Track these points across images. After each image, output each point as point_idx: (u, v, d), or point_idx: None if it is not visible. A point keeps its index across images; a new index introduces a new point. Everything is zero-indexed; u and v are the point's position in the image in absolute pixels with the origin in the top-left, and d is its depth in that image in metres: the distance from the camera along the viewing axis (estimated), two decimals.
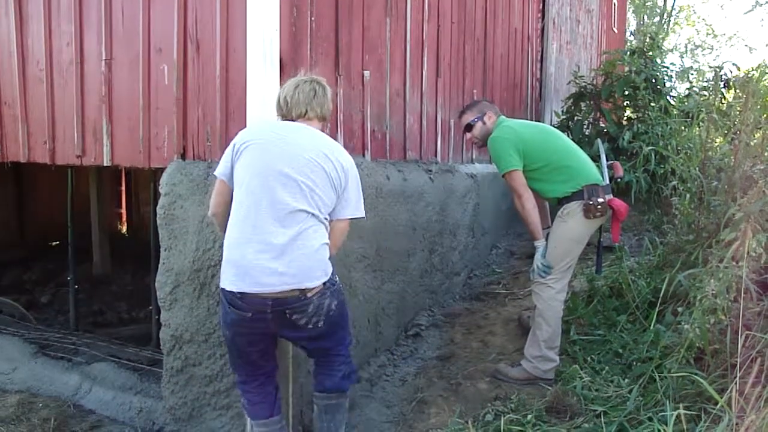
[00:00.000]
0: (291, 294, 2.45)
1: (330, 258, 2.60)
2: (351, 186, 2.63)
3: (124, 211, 8.55)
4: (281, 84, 3.08)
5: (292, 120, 2.68)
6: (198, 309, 3.24)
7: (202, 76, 3.35)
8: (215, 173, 2.68)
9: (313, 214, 2.49)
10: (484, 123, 3.74)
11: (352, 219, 2.68)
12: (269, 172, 2.47)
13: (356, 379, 2.82)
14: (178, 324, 3.29)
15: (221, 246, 3.17)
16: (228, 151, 2.61)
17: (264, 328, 2.55)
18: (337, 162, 2.56)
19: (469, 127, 3.80)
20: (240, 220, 2.48)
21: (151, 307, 4.22)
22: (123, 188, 8.45)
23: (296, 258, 2.43)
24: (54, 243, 7.06)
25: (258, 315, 2.48)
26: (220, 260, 3.16)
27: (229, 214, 2.56)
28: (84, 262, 6.17)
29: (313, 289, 2.49)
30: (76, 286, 4.82)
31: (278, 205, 2.44)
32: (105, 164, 3.80)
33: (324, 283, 2.53)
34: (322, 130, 2.73)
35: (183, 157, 3.42)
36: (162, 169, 3.41)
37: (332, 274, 2.60)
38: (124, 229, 8.53)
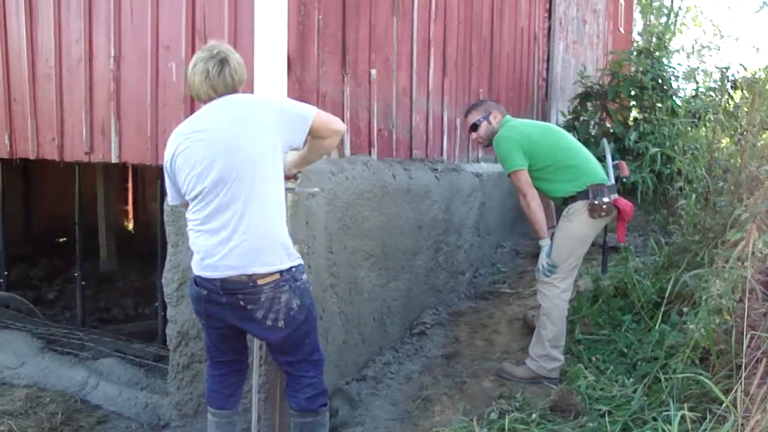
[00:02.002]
0: (238, 279, 2.39)
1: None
2: (284, 109, 2.46)
3: (131, 207, 8.58)
4: (288, 82, 3.09)
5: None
6: None
7: None
8: (170, 203, 2.70)
9: (258, 195, 2.39)
10: (490, 123, 3.74)
11: (313, 116, 2.47)
12: (204, 170, 2.40)
13: (326, 402, 2.69)
14: (184, 320, 3.31)
15: None
16: (166, 176, 2.59)
17: (222, 315, 2.50)
18: (251, 117, 2.42)
19: (474, 127, 3.80)
20: (199, 213, 2.47)
21: (157, 304, 4.24)
22: (130, 185, 8.48)
23: (240, 243, 2.38)
24: (61, 239, 7.09)
25: (213, 295, 2.46)
26: None
27: None
28: (91, 259, 6.19)
29: (264, 276, 2.39)
30: (83, 283, 4.84)
31: (222, 193, 2.39)
32: (113, 161, 3.82)
33: (281, 273, 2.42)
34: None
35: None
36: None
37: (298, 271, 2.49)
38: (131, 225, 8.56)
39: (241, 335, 2.68)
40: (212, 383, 2.74)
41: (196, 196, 2.45)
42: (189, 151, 2.44)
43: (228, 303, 2.45)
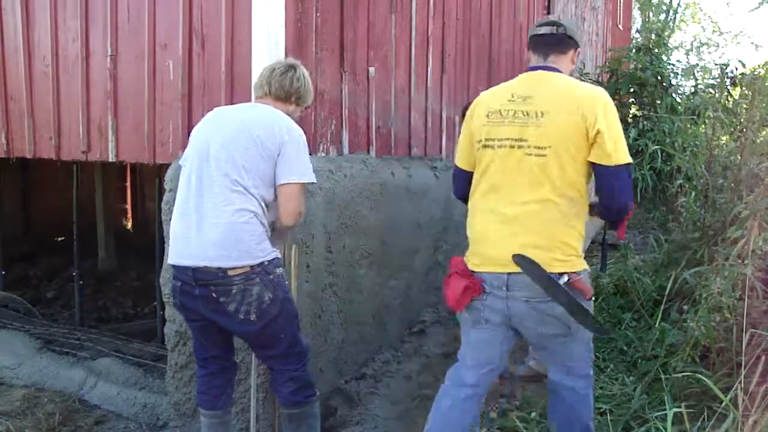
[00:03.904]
0: (209, 269, 2.39)
1: (285, 229, 2.56)
2: (288, 153, 2.47)
3: (129, 206, 8.56)
4: None
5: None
6: None
7: (207, 71, 3.34)
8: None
9: (240, 191, 2.41)
10: None
11: (292, 183, 2.47)
12: (201, 152, 2.49)
13: (313, 393, 2.67)
14: (182, 320, 3.28)
15: None
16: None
17: (195, 307, 2.49)
18: (269, 133, 2.46)
19: None
20: (180, 197, 2.54)
21: (155, 303, 4.23)
22: (128, 184, 8.46)
23: (212, 233, 2.39)
24: (59, 238, 7.08)
25: (187, 287, 2.47)
26: None
27: None
28: (89, 258, 6.18)
29: (235, 269, 2.39)
30: (81, 282, 4.83)
31: (206, 180, 2.44)
32: (110, 160, 3.81)
33: (252, 267, 2.41)
34: (292, 113, 2.64)
35: None
36: (167, 165, 3.41)
37: (271, 264, 2.48)
38: (130, 224, 8.54)
39: (224, 332, 2.65)
40: (200, 384, 2.74)
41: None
42: (199, 130, 2.61)
43: (200, 295, 2.45)
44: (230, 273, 2.39)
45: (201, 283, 2.43)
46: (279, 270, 2.53)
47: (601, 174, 2.21)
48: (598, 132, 2.14)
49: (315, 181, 2.59)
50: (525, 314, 2.25)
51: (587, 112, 2.16)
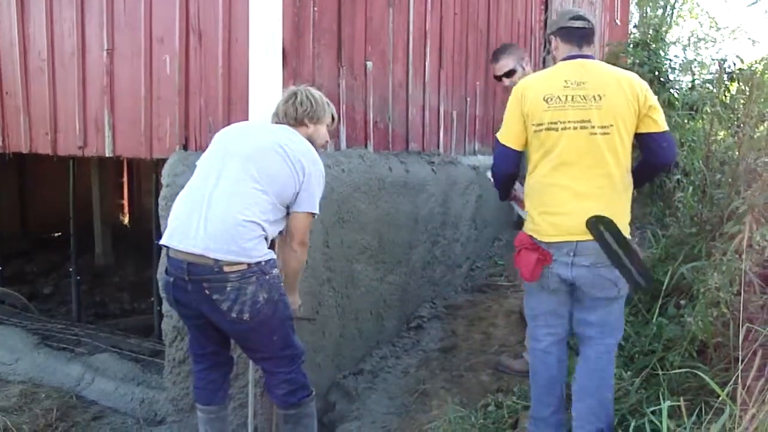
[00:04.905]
0: (204, 261, 2.38)
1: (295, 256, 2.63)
2: (312, 184, 2.58)
3: (126, 202, 8.54)
4: (283, 74, 3.07)
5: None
6: None
7: (204, 66, 3.33)
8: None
9: (259, 194, 2.45)
10: (524, 69, 3.62)
11: (305, 213, 2.59)
12: (223, 154, 2.54)
13: (307, 393, 2.67)
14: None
15: None
16: None
17: (189, 302, 2.48)
18: (296, 160, 2.53)
19: (510, 74, 3.63)
20: (192, 185, 2.58)
21: (153, 298, 4.22)
22: (125, 179, 8.44)
23: (217, 224, 2.39)
24: (56, 234, 7.06)
25: (179, 282, 2.45)
26: None
27: None
28: (86, 253, 6.17)
29: (232, 265, 2.38)
30: (78, 277, 4.83)
31: (227, 176, 2.47)
32: (107, 155, 3.79)
33: (249, 265, 2.41)
34: (312, 134, 2.75)
35: (185, 147, 3.41)
36: (164, 160, 3.40)
37: (267, 264, 2.48)
38: (126, 220, 8.52)
39: (207, 321, 2.62)
40: (197, 379, 2.75)
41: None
42: (223, 136, 2.70)
43: (193, 291, 2.43)
44: (226, 269, 2.38)
45: (194, 278, 2.40)
46: (275, 271, 2.53)
47: (652, 140, 2.57)
48: (651, 107, 2.53)
49: (316, 212, 2.66)
50: (586, 278, 2.54)
51: (638, 92, 2.52)
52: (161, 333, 3.43)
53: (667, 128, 2.60)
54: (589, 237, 2.48)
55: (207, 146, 3.29)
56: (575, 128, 2.50)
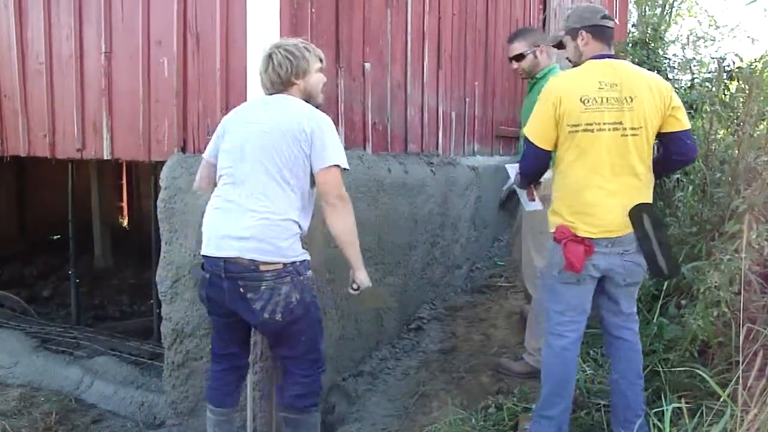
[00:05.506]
0: (241, 261, 2.40)
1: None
2: (317, 143, 2.47)
3: (125, 204, 8.54)
4: None
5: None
6: (199, 303, 3.22)
7: (202, 68, 3.32)
8: (203, 156, 2.74)
9: (281, 186, 2.45)
10: (536, 56, 3.59)
11: (325, 168, 2.48)
12: (240, 156, 2.50)
13: (315, 403, 2.66)
14: (179, 318, 3.28)
15: None
16: (214, 135, 2.68)
17: (221, 299, 2.49)
18: (298, 130, 2.46)
19: (519, 57, 3.62)
20: (220, 191, 2.55)
21: (152, 301, 4.21)
22: (124, 181, 8.43)
23: (250, 226, 2.40)
24: (55, 237, 7.05)
25: (215, 278, 2.46)
26: None
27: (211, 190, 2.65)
28: (85, 256, 6.16)
29: (268, 264, 2.40)
30: (78, 280, 4.82)
31: (247, 176, 2.46)
32: (105, 158, 3.79)
33: (284, 265, 2.42)
34: (306, 88, 2.63)
35: (183, 150, 3.40)
36: (162, 163, 3.39)
37: (302, 265, 2.49)
38: (125, 222, 8.52)
39: (245, 330, 2.67)
40: (213, 380, 2.74)
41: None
42: (237, 131, 2.58)
43: (228, 288, 2.44)
44: (262, 268, 2.40)
45: (230, 275, 2.42)
46: (309, 272, 2.54)
47: (678, 138, 2.66)
48: (676, 107, 2.63)
49: (347, 167, 2.55)
50: (620, 266, 2.63)
51: (664, 93, 2.62)
52: (160, 336, 3.42)
53: (689, 125, 2.69)
54: (624, 231, 2.58)
55: (205, 149, 3.30)
56: (609, 130, 2.56)
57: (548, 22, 7.72)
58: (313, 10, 3.27)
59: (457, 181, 4.94)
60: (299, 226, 2.49)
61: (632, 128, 2.56)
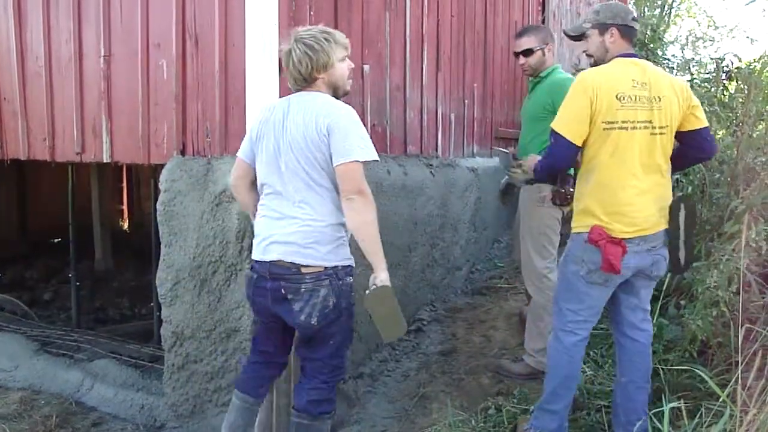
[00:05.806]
0: (283, 263, 2.45)
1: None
2: (334, 138, 2.41)
3: (125, 207, 8.55)
4: (280, 78, 3.06)
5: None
6: (199, 305, 3.23)
7: (201, 71, 3.33)
8: (237, 155, 2.72)
9: (315, 190, 2.46)
10: (544, 54, 3.59)
11: (345, 164, 2.40)
12: (276, 168, 2.51)
13: (329, 410, 2.63)
14: (179, 320, 3.29)
15: (221, 242, 3.17)
16: (247, 135, 2.69)
17: (264, 302, 2.55)
18: (318, 131, 2.42)
19: (528, 53, 3.61)
20: (264, 201, 2.59)
21: (152, 304, 4.22)
22: (124, 184, 8.44)
23: (292, 232, 2.45)
24: (55, 240, 7.06)
25: (260, 279, 2.53)
26: (221, 257, 3.17)
27: (248, 189, 2.70)
28: (86, 259, 6.17)
29: (309, 267, 2.44)
30: (78, 283, 4.82)
31: (287, 187, 2.48)
32: (104, 161, 3.79)
33: (325, 268, 2.45)
34: (330, 80, 2.55)
35: (183, 153, 3.41)
36: (162, 165, 3.39)
37: (343, 270, 2.53)
38: (126, 225, 8.53)
39: (288, 335, 2.70)
40: (247, 368, 2.76)
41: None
42: (268, 136, 2.56)
43: (271, 289, 2.49)
44: (303, 270, 2.44)
45: (274, 276, 2.48)
46: (349, 279, 2.57)
47: (698, 135, 2.72)
48: (695, 106, 2.69)
49: (371, 158, 2.47)
50: (647, 262, 2.67)
51: (685, 93, 2.68)
52: (161, 338, 3.42)
53: (707, 123, 2.76)
54: (655, 229, 2.63)
55: (204, 151, 3.31)
56: (641, 128, 2.59)
57: (547, 22, 7.72)
58: (311, 12, 3.28)
59: (456, 182, 4.94)
60: (343, 226, 2.51)
61: (660, 127, 2.61)
